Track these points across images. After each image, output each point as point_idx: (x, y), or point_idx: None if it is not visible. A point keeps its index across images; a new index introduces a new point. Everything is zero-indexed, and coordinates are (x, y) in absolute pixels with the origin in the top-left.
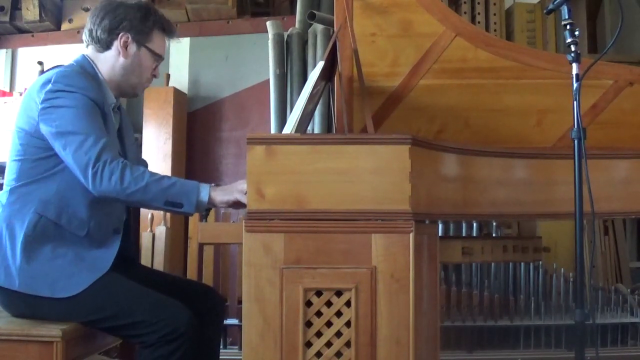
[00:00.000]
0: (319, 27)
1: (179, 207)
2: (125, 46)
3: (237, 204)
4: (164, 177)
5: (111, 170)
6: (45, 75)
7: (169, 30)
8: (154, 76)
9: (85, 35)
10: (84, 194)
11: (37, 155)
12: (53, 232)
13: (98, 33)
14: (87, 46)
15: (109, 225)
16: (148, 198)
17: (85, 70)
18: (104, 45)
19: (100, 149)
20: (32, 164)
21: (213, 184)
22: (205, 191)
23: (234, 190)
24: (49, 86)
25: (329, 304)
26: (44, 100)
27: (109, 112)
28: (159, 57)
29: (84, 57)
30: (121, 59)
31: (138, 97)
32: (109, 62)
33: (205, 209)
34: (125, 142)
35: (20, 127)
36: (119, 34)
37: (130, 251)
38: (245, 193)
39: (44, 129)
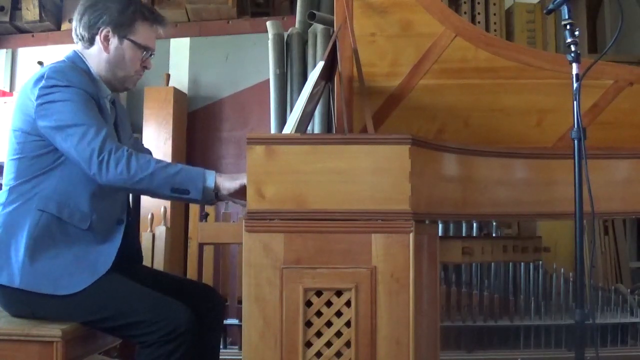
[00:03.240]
0: (319, 27)
1: (185, 193)
2: (106, 40)
3: (242, 192)
4: (169, 164)
5: (117, 158)
6: (38, 72)
7: (153, 19)
8: (145, 68)
9: (72, 33)
10: (84, 187)
11: (35, 153)
12: (56, 229)
13: (80, 30)
14: (77, 43)
15: (111, 217)
16: (155, 185)
17: (77, 65)
18: (88, 41)
19: (102, 139)
20: (31, 162)
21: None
22: (212, 177)
23: (238, 176)
24: (43, 82)
25: (329, 304)
26: (39, 97)
27: (104, 105)
28: (146, 48)
29: (75, 52)
30: (104, 54)
31: (130, 90)
32: (96, 58)
33: (212, 199)
34: (121, 136)
35: (16, 126)
36: (99, 29)
37: (133, 250)
38: None
39: (42, 124)
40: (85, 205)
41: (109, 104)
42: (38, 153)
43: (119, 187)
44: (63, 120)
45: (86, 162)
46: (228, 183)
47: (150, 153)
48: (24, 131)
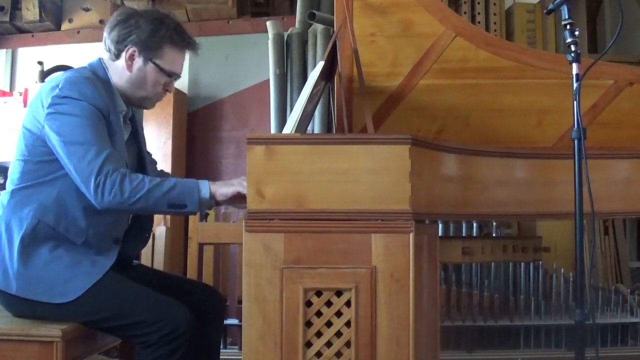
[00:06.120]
0: (319, 27)
1: (182, 208)
2: (131, 60)
3: (238, 198)
4: (163, 180)
5: (112, 182)
6: (55, 78)
7: (182, 45)
8: (167, 91)
9: (102, 42)
10: (81, 201)
11: (41, 158)
12: (51, 238)
13: (108, 43)
14: (104, 53)
15: (108, 236)
16: (150, 204)
17: (96, 74)
18: (114, 55)
19: (102, 161)
20: (35, 166)
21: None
22: (206, 187)
23: (233, 182)
24: (56, 91)
25: (329, 304)
26: (50, 105)
27: (115, 120)
28: (170, 74)
29: (99, 61)
30: (126, 73)
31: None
32: (118, 72)
33: (212, 206)
34: (142, 150)
35: (26, 127)
36: (126, 47)
37: (133, 252)
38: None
39: (48, 133)
40: (82, 221)
41: (121, 118)
42: (43, 159)
43: (118, 210)
44: (67, 136)
45: (84, 183)
46: (224, 189)
47: (161, 174)
48: (32, 134)
